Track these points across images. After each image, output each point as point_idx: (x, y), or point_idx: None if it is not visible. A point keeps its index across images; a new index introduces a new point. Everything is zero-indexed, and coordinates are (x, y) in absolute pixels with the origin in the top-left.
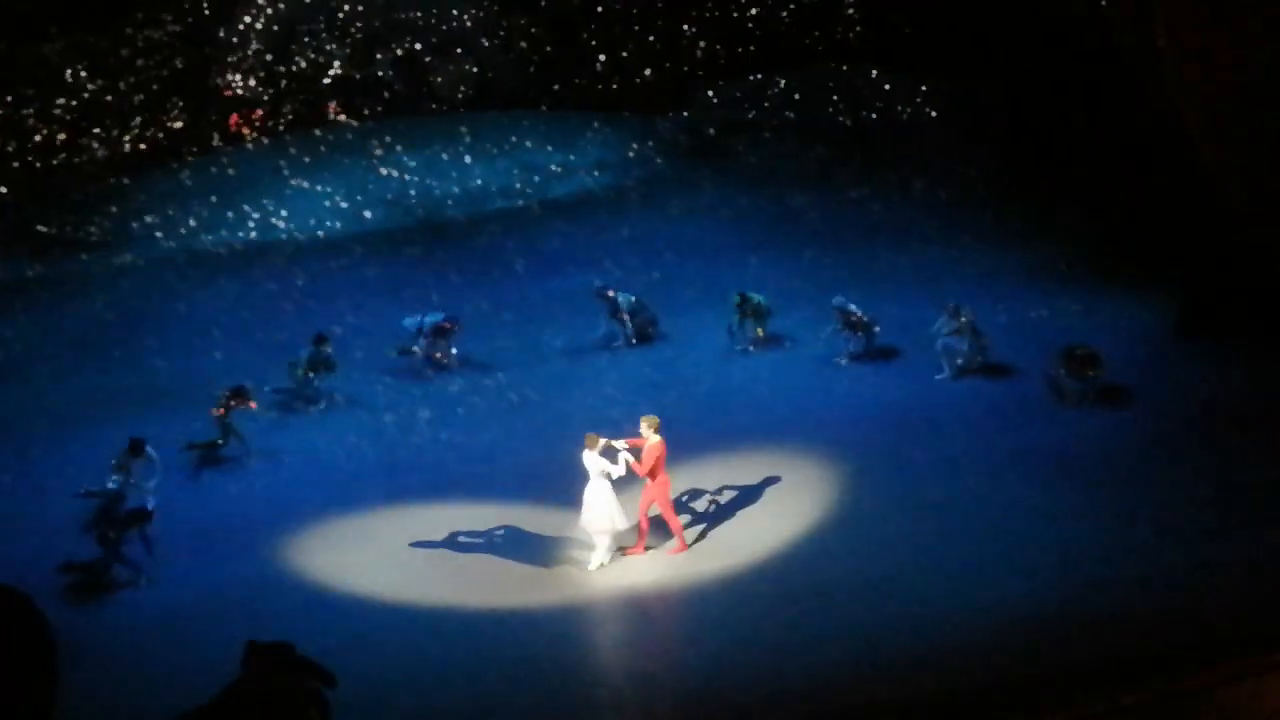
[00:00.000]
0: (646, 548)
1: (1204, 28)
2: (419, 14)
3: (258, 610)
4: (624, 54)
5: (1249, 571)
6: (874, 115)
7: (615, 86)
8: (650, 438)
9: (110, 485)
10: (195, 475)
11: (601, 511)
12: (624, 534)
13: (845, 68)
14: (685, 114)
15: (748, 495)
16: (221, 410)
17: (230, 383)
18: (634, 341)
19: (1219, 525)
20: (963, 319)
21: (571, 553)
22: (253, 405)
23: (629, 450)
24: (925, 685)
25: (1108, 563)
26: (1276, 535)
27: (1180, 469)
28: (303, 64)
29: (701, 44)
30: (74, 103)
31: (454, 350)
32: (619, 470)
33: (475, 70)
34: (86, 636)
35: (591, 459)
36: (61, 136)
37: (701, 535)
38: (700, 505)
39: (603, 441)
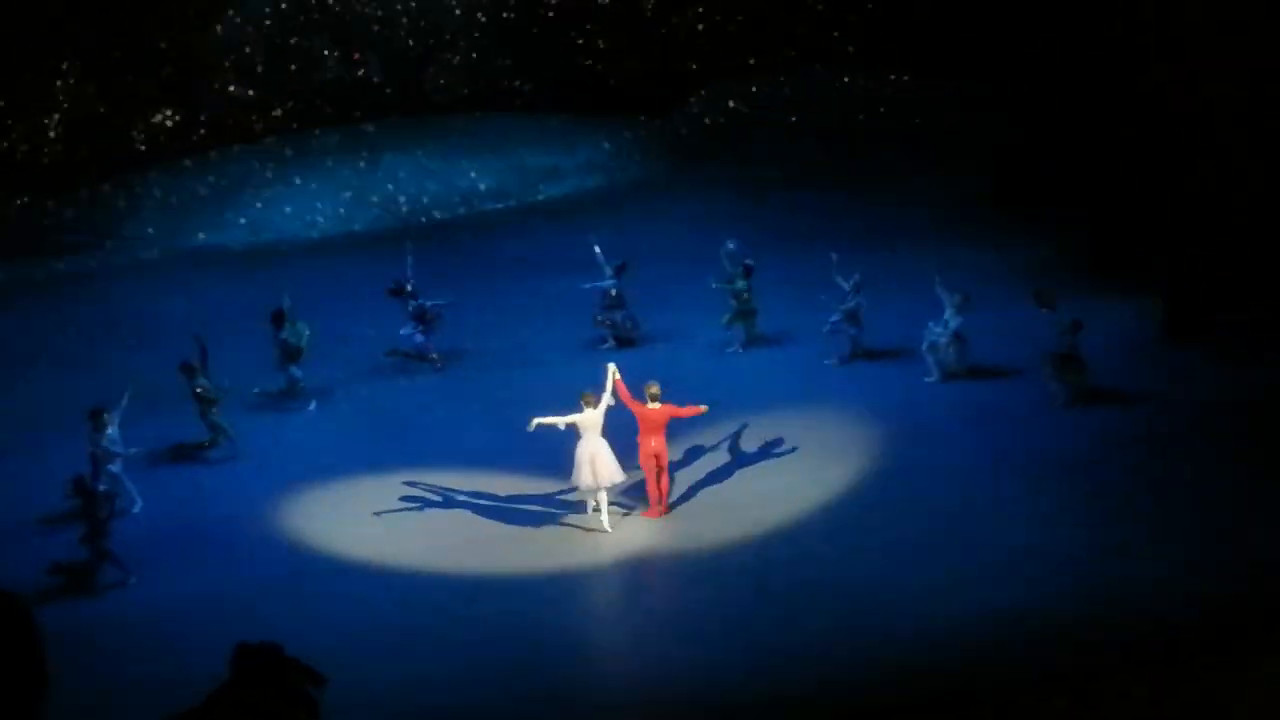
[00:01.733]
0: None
1: (1201, 33)
2: (409, 16)
3: (245, 611)
4: (616, 56)
5: (1246, 571)
6: (865, 117)
7: (607, 88)
8: (651, 404)
9: (100, 486)
10: (181, 474)
11: (597, 468)
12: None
13: (836, 70)
14: (677, 116)
15: (736, 495)
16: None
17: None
18: (617, 339)
19: (1215, 527)
20: (961, 311)
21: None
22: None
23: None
24: (915, 690)
25: (1099, 566)
26: (1271, 536)
27: (1173, 470)
28: (293, 66)
29: (694, 46)
30: (64, 104)
31: (432, 348)
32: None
33: (466, 72)
34: (76, 638)
35: (592, 416)
36: (51, 137)
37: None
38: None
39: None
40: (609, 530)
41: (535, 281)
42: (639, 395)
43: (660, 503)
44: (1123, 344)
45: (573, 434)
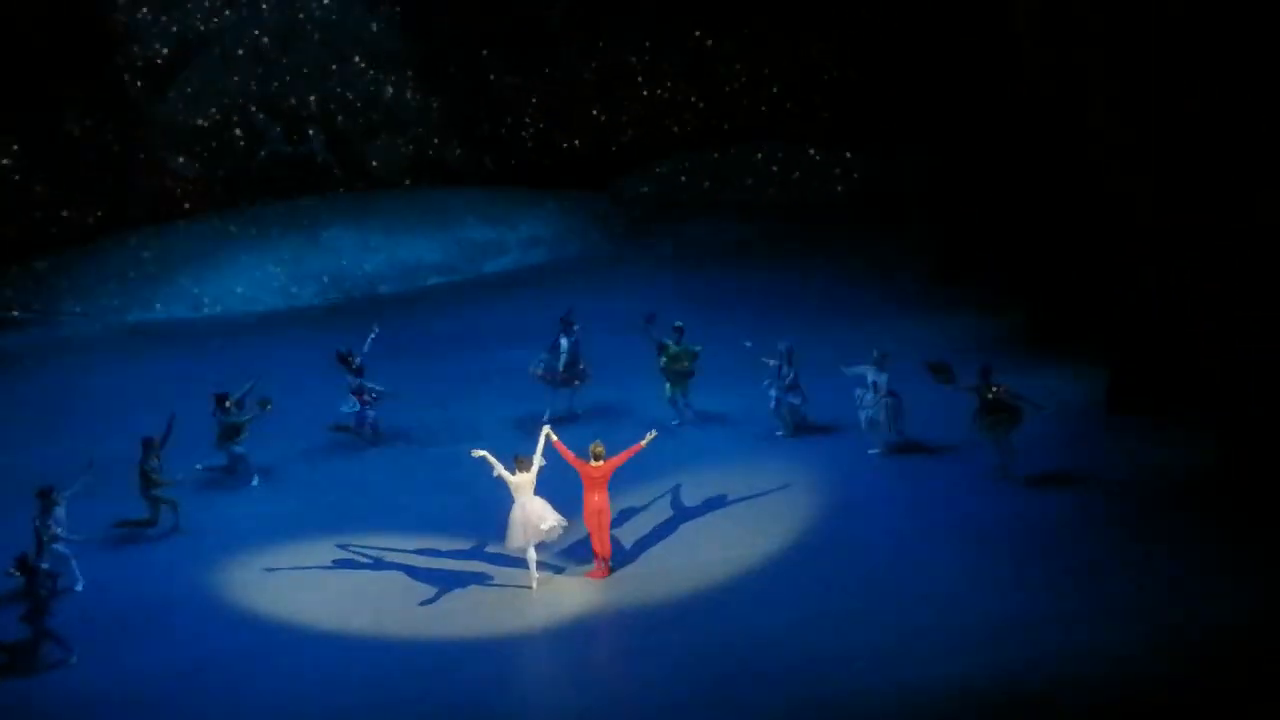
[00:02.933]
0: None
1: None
2: (353, 91)
3: (187, 688)
4: (558, 131)
5: (1180, 647)
6: (806, 190)
7: (549, 164)
8: (594, 462)
9: (42, 564)
10: (124, 552)
11: (528, 529)
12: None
13: (777, 145)
14: (618, 191)
15: (676, 568)
16: None
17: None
18: (558, 379)
19: (1149, 601)
20: (883, 368)
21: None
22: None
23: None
24: None
25: (1038, 638)
26: (1208, 611)
27: (1111, 544)
28: (238, 140)
29: (634, 122)
30: (7, 180)
31: (375, 421)
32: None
33: (410, 148)
34: (16, 718)
35: (524, 479)
36: None
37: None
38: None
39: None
40: (533, 588)
41: (475, 355)
42: (582, 454)
43: (604, 562)
44: (1067, 418)
45: (506, 492)
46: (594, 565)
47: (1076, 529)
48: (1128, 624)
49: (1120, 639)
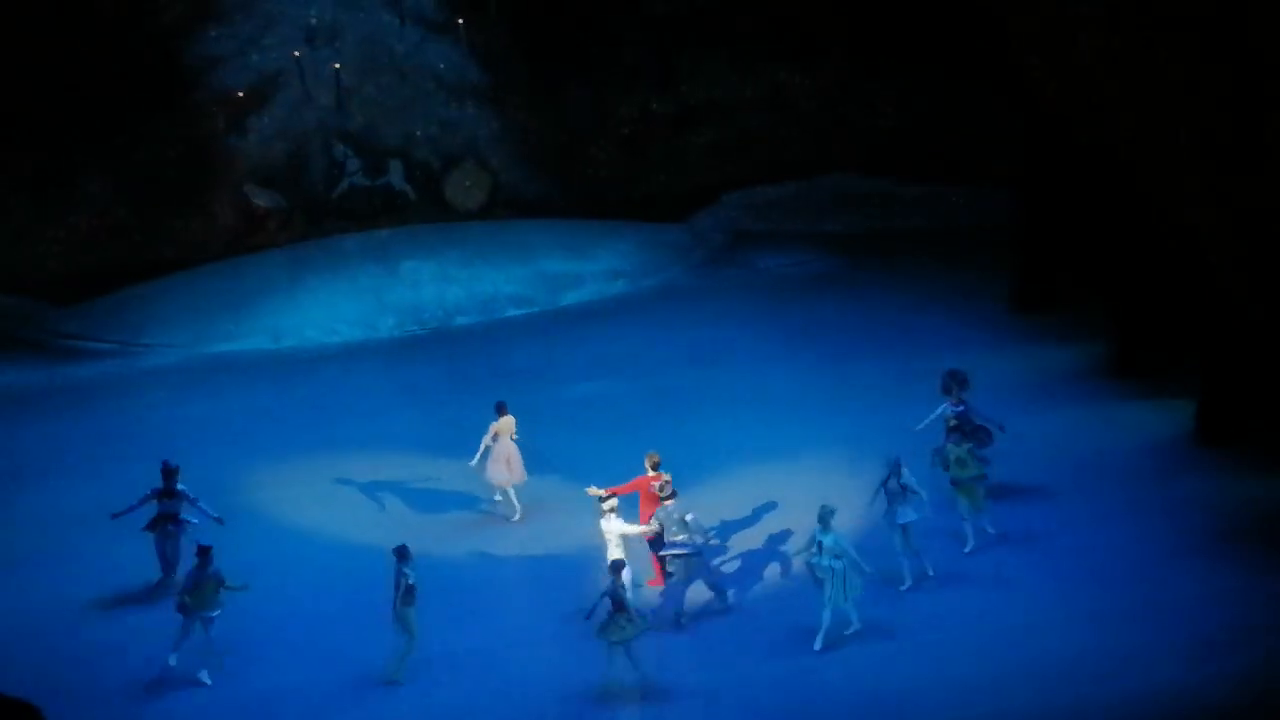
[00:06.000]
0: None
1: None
2: (432, 123)
3: None
4: (636, 163)
5: (1264, 684)
6: (888, 223)
7: (627, 196)
8: (650, 473)
9: None
10: None
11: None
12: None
13: (853, 175)
14: (697, 223)
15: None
16: None
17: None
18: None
19: (1237, 637)
20: (902, 478)
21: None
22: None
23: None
24: None
25: (1113, 675)
26: None
27: (1197, 580)
28: (317, 172)
29: (712, 154)
30: (91, 212)
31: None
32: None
33: (490, 178)
34: None
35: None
36: (77, 245)
37: None
38: None
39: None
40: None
41: (553, 387)
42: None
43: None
44: (1154, 451)
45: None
46: (654, 574)
47: (1162, 561)
48: (1209, 660)
49: (1199, 676)
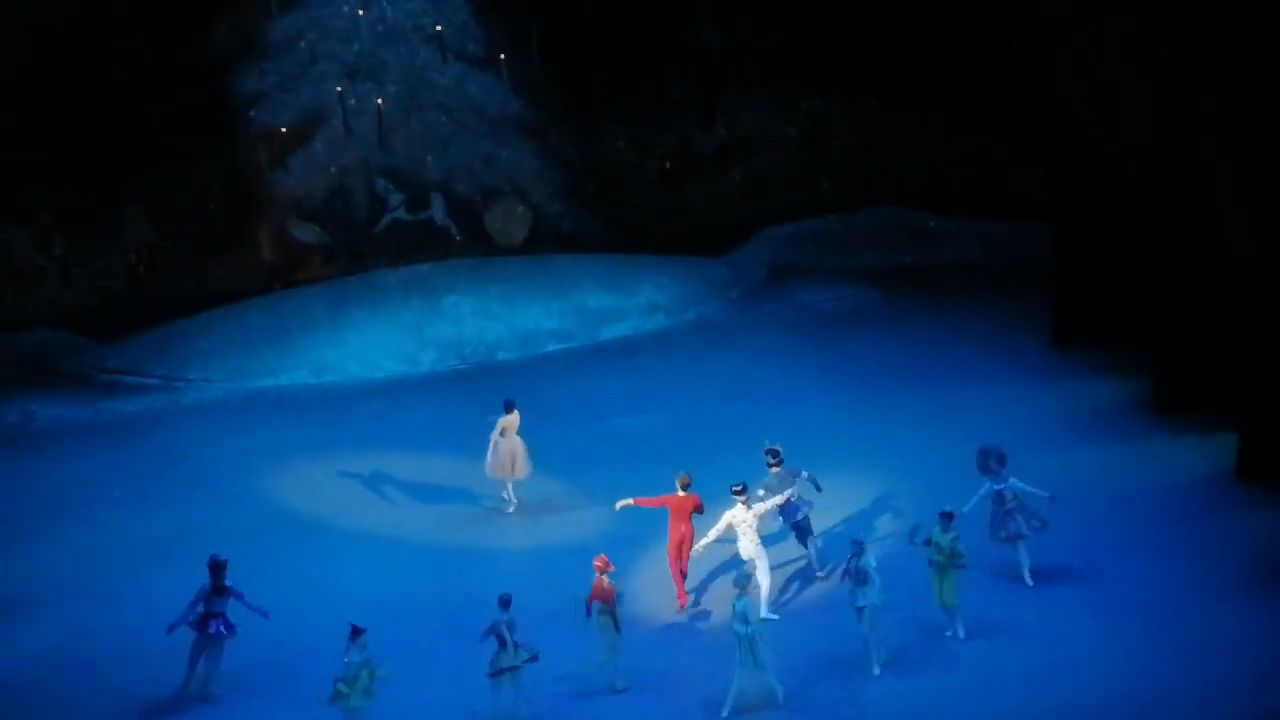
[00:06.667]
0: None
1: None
2: (473, 159)
3: None
4: (676, 198)
5: None
6: (927, 257)
7: (667, 230)
8: (680, 493)
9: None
10: None
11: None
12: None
13: (892, 209)
14: (739, 256)
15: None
16: None
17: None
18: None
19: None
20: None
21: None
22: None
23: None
24: None
25: (1159, 712)
26: None
27: (1240, 617)
28: (359, 207)
29: (751, 189)
30: (134, 246)
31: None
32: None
33: (531, 213)
34: None
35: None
36: (121, 279)
37: None
38: None
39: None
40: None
41: (593, 422)
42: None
43: (680, 589)
44: (1194, 487)
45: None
46: (676, 592)
47: (1205, 598)
48: (1252, 699)
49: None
